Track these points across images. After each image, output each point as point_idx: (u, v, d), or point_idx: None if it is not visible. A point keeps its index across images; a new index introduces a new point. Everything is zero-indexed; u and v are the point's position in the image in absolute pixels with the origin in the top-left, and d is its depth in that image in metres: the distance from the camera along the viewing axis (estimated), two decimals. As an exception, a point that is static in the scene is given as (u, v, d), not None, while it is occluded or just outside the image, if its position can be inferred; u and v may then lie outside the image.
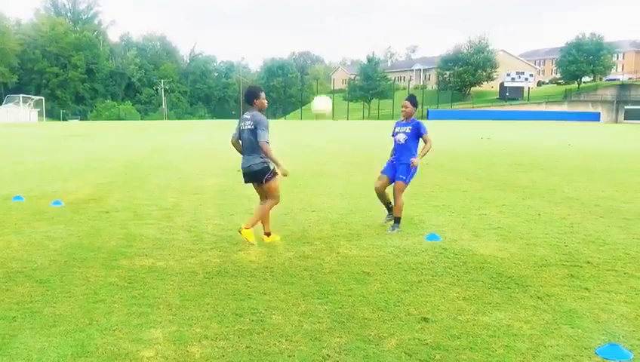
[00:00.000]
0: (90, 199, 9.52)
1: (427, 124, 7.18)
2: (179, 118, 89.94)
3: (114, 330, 3.92)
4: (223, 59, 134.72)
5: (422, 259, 5.86)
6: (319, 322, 4.11)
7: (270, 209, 6.51)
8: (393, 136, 7.45)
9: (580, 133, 37.86)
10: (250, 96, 6.37)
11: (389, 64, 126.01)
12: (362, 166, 15.32)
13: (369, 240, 6.71)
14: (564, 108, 75.37)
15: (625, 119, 69.70)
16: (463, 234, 6.99)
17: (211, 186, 11.04)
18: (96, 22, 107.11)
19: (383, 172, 7.44)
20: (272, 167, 6.30)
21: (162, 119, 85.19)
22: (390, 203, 7.45)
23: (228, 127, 48.46)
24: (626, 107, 71.11)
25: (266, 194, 6.47)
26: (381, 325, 4.06)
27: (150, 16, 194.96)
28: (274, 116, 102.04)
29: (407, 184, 7.20)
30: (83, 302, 4.48)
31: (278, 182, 6.45)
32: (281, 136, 31.05)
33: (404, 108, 7.26)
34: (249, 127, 6.24)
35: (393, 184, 7.23)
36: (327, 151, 20.95)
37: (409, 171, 7.16)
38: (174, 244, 6.41)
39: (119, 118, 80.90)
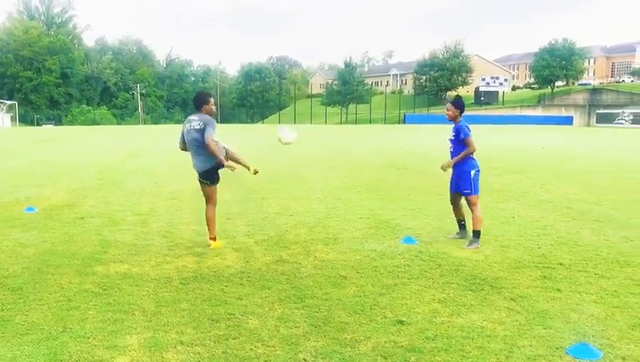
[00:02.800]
0: (64, 205, 9.39)
1: (470, 126, 6.38)
2: (155, 123, 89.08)
3: (88, 338, 3.88)
4: (199, 63, 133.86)
5: (398, 262, 5.91)
6: (296, 326, 4.12)
7: (215, 214, 6.57)
8: None
9: (554, 136, 38.49)
10: (199, 102, 6.33)
11: (367, 69, 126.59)
12: (340, 170, 15.38)
13: (346, 243, 6.74)
14: (538, 112, 76.56)
15: (597, 123, 71.02)
16: (439, 237, 7.06)
17: (188, 191, 10.95)
18: (70, 26, 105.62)
19: (449, 187, 6.98)
20: (220, 173, 6.39)
21: (139, 124, 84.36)
22: (463, 220, 6.99)
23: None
24: (597, 111, 72.48)
25: (207, 198, 6.53)
26: (357, 328, 4.09)
27: (126, 21, 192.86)
28: (252, 120, 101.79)
29: (476, 194, 6.66)
30: (56, 310, 4.42)
31: (217, 190, 6.56)
32: (259, 140, 30.97)
33: (446, 111, 6.84)
34: (197, 126, 6.21)
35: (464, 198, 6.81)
36: (305, 156, 20.96)
37: (468, 180, 6.63)
38: (150, 250, 6.36)
39: (95, 123, 79.82)
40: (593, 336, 3.93)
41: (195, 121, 6.27)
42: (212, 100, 6.41)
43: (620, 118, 67.96)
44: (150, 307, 4.51)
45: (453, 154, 6.77)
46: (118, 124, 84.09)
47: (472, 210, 6.70)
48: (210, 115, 6.32)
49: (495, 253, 6.31)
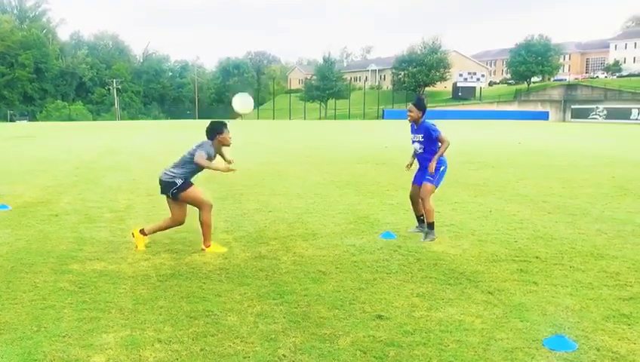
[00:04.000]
0: (39, 202, 9.23)
1: (439, 124, 6.68)
2: (132, 119, 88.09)
3: (63, 336, 3.81)
4: (177, 58, 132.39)
5: (377, 257, 5.93)
6: (275, 322, 4.11)
7: (210, 217, 6.14)
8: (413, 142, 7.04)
9: (530, 131, 38.99)
10: (212, 133, 6.06)
11: (345, 64, 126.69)
12: (319, 165, 15.37)
13: (325, 239, 6.75)
14: (515, 107, 77.50)
15: (572, 118, 72.16)
16: (417, 232, 7.09)
17: (166, 188, 10.86)
18: (44, 20, 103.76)
19: (412, 182, 7.05)
20: (178, 183, 5.98)
21: (115, 119, 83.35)
22: (422, 214, 6.93)
23: (182, 128, 46.96)
24: (572, 106, 73.63)
25: (196, 206, 6.16)
26: (336, 323, 4.09)
27: (102, 15, 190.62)
28: (230, 116, 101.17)
29: (435, 185, 6.70)
30: (31, 309, 4.34)
31: (194, 192, 6.10)
32: (238, 136, 30.95)
33: (409, 113, 6.82)
34: (194, 146, 6.06)
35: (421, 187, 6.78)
36: (284, 151, 20.92)
37: (436, 173, 6.68)
38: (127, 247, 6.28)
39: (70, 119, 78.66)
40: (569, 328, 3.99)
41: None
42: (226, 129, 6.09)
43: (594, 113, 69.17)
44: (127, 305, 4.46)
45: (424, 156, 6.79)
46: (94, 119, 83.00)
47: (424, 200, 6.67)
48: (225, 145, 6.13)
49: (473, 247, 6.37)
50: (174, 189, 6.02)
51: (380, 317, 4.22)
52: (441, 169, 6.75)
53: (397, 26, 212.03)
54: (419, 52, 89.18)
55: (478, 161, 16.41)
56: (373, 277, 5.24)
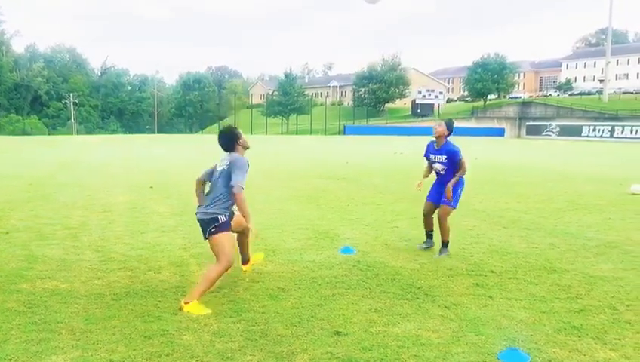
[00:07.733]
0: (-13, 219, 8.90)
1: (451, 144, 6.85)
2: (89, 133, 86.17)
3: (9, 360, 3.67)
4: (136, 72, 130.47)
5: (336, 272, 5.93)
6: (232, 341, 4.05)
7: (217, 276, 4.92)
8: (425, 156, 7.19)
9: (486, 147, 39.84)
10: (230, 143, 5.15)
11: (307, 80, 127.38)
12: (281, 181, 15.32)
13: (284, 255, 6.72)
14: (472, 124, 79.03)
15: (526, 134, 74.19)
16: (376, 247, 7.16)
17: (121, 204, 10.64)
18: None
19: (427, 198, 7.14)
20: (221, 220, 4.95)
21: (72, 134, 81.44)
22: (432, 230, 7.14)
23: (141, 142, 45.88)
24: (527, 123, 75.75)
25: (213, 253, 5.06)
26: (294, 341, 4.06)
27: (58, 28, 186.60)
28: (190, 130, 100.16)
29: (453, 207, 6.79)
30: (-25, 331, 4.16)
31: (227, 241, 4.97)
32: (201, 150, 30.55)
33: (436, 127, 6.88)
34: (224, 167, 5.05)
35: (438, 208, 6.87)
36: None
37: (455, 193, 6.75)
38: (80, 265, 6.10)
39: (25, 133, 76.32)
40: (522, 341, 4.06)
41: (224, 160, 5.12)
42: (241, 136, 5.22)
43: (547, 130, 71.27)
44: (79, 325, 4.33)
45: (445, 177, 6.89)
46: (49, 134, 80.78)
47: (442, 221, 6.77)
48: (246, 148, 5.24)
49: (430, 261, 6.45)
50: (213, 228, 4.95)
51: (337, 333, 4.21)
52: (459, 191, 6.84)
53: (358, 43, 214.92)
54: (379, 69, 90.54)
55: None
56: (331, 293, 5.24)
